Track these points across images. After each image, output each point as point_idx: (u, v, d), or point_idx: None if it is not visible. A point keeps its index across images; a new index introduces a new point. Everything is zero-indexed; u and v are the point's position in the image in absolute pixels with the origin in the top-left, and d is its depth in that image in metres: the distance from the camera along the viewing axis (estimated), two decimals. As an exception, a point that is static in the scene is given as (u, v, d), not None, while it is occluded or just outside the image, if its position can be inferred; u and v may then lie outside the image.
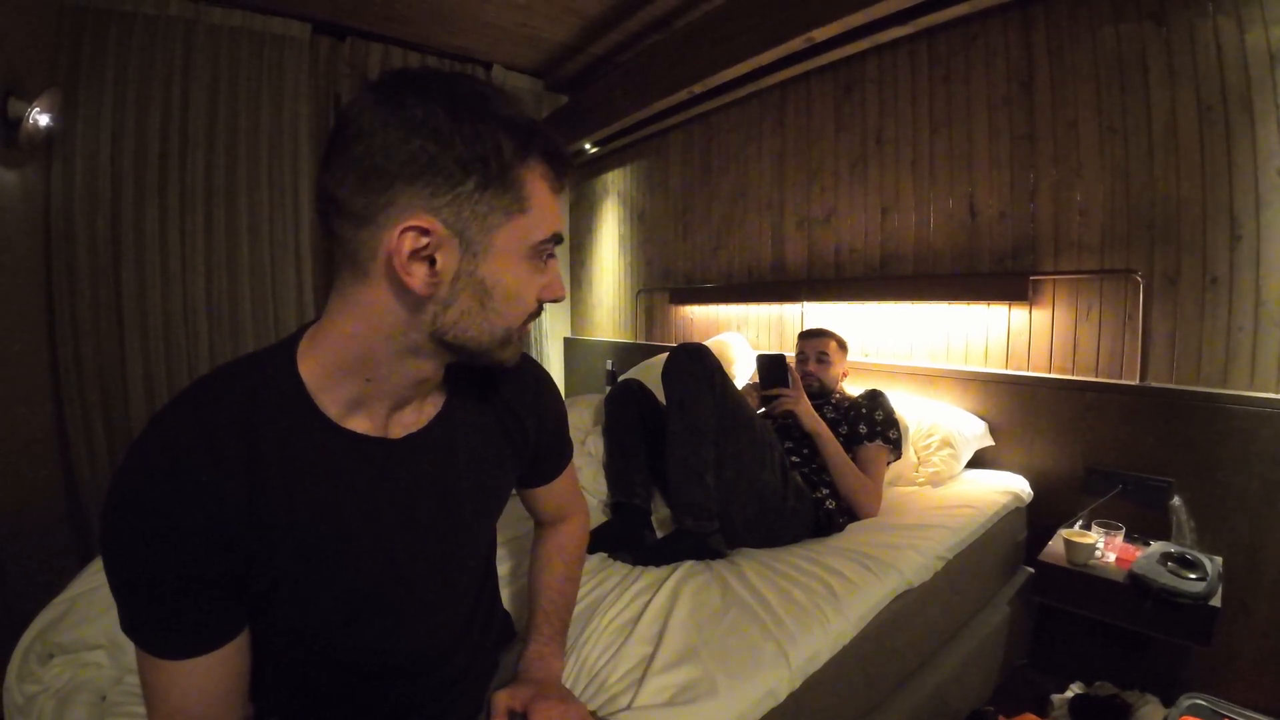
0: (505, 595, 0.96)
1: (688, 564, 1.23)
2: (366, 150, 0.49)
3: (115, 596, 0.50)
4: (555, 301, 0.62)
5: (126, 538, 0.48)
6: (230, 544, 0.50)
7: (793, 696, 0.93)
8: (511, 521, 1.05)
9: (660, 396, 1.49)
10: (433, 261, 0.51)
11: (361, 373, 0.56)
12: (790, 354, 1.85)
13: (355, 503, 0.57)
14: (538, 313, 0.61)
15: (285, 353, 0.57)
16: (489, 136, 0.51)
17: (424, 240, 0.50)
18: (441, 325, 0.54)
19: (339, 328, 0.55)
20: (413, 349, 0.56)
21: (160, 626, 0.51)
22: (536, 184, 0.54)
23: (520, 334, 0.61)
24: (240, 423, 0.52)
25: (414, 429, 0.62)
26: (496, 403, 0.71)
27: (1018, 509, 1.68)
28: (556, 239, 0.58)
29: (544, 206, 0.55)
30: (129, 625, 0.50)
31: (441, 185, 0.50)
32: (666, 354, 1.45)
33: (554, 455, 0.84)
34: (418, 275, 0.51)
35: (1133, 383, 1.59)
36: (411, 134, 0.49)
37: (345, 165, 0.50)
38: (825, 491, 1.51)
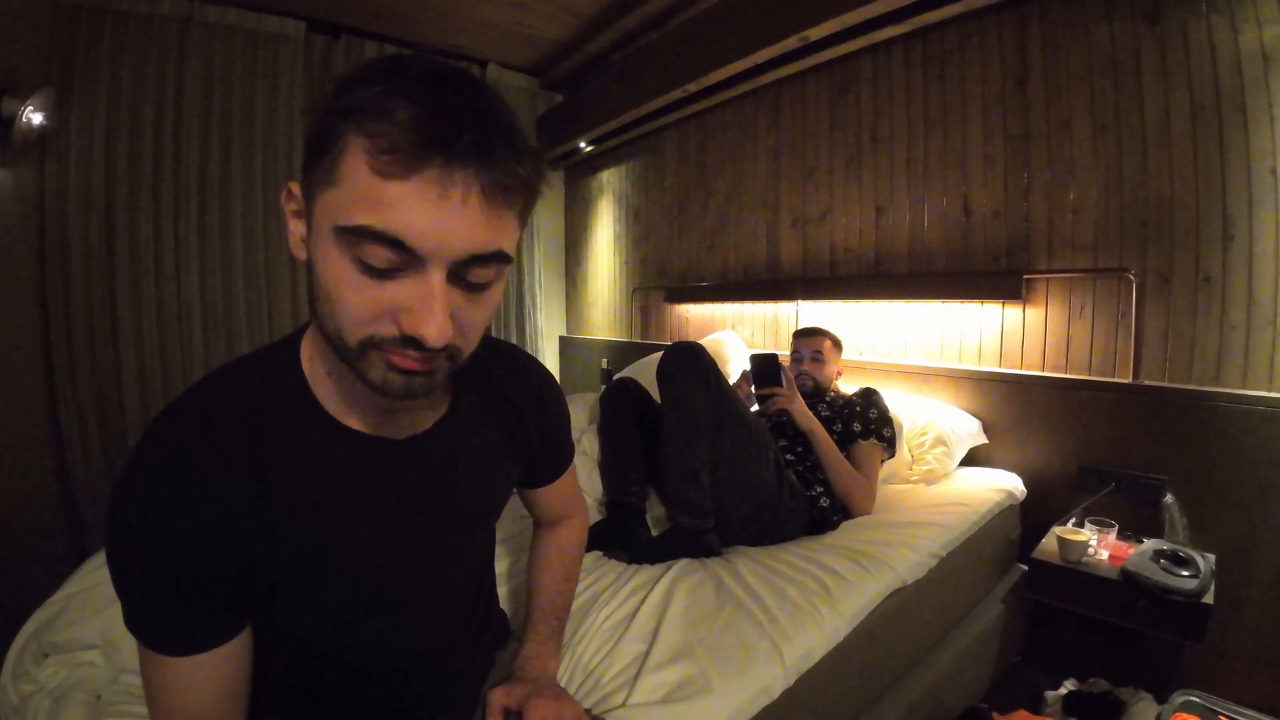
0: (502, 593, 0.96)
1: (682, 562, 1.24)
2: None
3: (118, 592, 0.50)
4: (416, 338, 0.45)
5: (130, 534, 0.48)
6: (234, 541, 0.51)
7: (787, 694, 0.93)
8: (509, 519, 1.04)
9: (656, 395, 1.49)
10: None
11: (324, 367, 0.56)
12: (785, 353, 1.86)
13: (356, 501, 0.57)
14: (404, 342, 0.46)
15: (289, 349, 0.57)
16: (331, 100, 0.45)
17: (292, 205, 0.50)
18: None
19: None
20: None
21: (162, 623, 0.51)
22: (355, 159, 0.43)
23: (385, 360, 0.47)
24: (245, 420, 0.52)
25: (415, 431, 0.62)
26: (500, 403, 0.71)
27: (1011, 506, 1.68)
28: (378, 238, 0.43)
29: (356, 188, 0.43)
30: (131, 621, 0.51)
31: (305, 152, 0.48)
32: (661, 352, 1.45)
33: (555, 457, 0.84)
34: (293, 235, 0.51)
35: (1126, 381, 1.60)
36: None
37: None
38: (819, 489, 1.51)
